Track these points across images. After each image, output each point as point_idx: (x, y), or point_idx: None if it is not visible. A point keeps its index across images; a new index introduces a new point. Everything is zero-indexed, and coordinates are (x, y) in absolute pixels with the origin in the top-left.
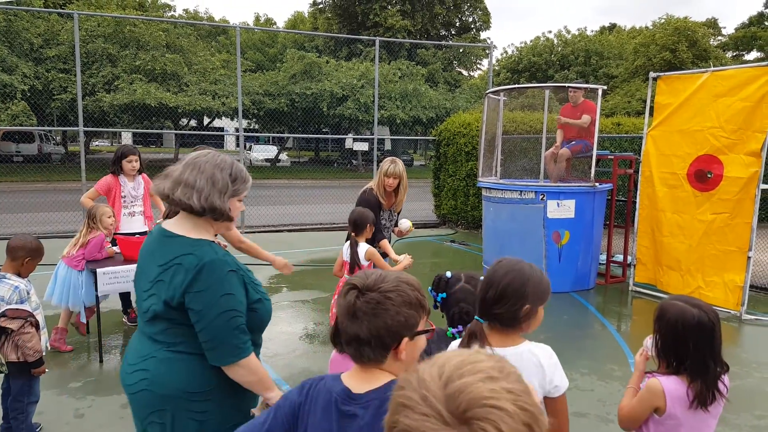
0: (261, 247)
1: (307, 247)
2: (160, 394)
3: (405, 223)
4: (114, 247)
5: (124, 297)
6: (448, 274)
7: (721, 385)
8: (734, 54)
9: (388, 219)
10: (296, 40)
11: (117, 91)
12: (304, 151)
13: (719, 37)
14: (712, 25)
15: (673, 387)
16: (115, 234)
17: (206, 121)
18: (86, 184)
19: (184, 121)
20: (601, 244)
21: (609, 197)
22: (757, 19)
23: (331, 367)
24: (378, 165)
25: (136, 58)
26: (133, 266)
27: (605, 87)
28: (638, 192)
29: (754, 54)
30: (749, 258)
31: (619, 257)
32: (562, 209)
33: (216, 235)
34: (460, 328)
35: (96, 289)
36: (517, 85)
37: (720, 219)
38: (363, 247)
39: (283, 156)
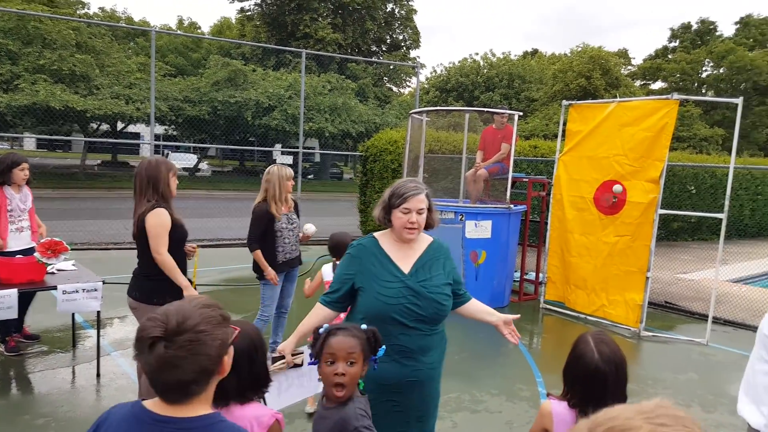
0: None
1: (222, 264)
2: None
3: (310, 228)
4: None
5: (2, 324)
6: (321, 329)
7: None
8: (642, 83)
9: (288, 222)
10: (222, 46)
11: (16, 92)
12: (228, 161)
13: (629, 67)
14: (623, 55)
15: (561, 411)
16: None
17: (120, 126)
18: None
19: (94, 125)
20: (515, 263)
21: (524, 218)
22: (662, 52)
23: None
24: (303, 177)
25: (41, 57)
26: (12, 291)
27: (521, 113)
28: (549, 214)
29: (659, 84)
30: (648, 278)
31: (533, 275)
32: (479, 229)
33: None
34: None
35: None
36: (438, 108)
37: (622, 241)
38: None
39: (204, 165)
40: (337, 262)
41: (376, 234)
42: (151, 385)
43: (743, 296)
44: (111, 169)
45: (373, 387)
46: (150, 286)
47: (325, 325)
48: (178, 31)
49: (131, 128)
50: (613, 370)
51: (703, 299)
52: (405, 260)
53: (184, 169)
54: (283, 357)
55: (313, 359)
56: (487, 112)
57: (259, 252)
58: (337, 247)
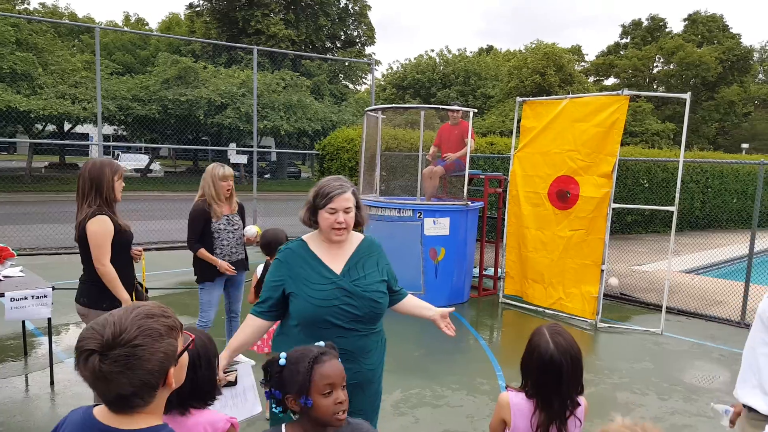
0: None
1: (175, 267)
2: None
3: (250, 230)
4: None
5: None
6: (282, 361)
7: (571, 421)
8: (595, 79)
9: (228, 223)
10: (171, 43)
11: None
12: (181, 161)
13: (583, 63)
14: (577, 52)
15: (519, 402)
16: None
17: (68, 127)
18: None
19: (39, 126)
20: (474, 259)
21: (481, 215)
22: (614, 48)
23: None
24: (259, 177)
25: None
26: None
27: (476, 110)
28: (506, 210)
29: (612, 80)
30: (603, 270)
31: (492, 271)
32: (437, 227)
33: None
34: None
35: None
36: (393, 105)
37: (577, 235)
38: None
39: (156, 166)
40: (271, 261)
41: (304, 236)
42: (96, 394)
43: (695, 286)
44: (59, 172)
45: None
46: (98, 291)
47: (283, 354)
48: (125, 28)
49: (79, 129)
50: (568, 360)
51: (657, 290)
52: (336, 261)
53: (136, 170)
54: None
55: (273, 391)
56: (442, 109)
57: (203, 249)
58: (269, 246)
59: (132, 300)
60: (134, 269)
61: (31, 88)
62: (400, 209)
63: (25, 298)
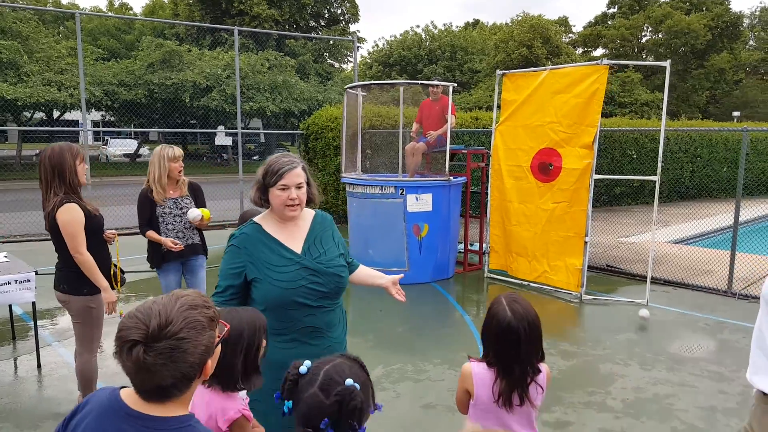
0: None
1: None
2: None
3: (192, 213)
4: None
5: None
6: (304, 368)
7: (532, 388)
8: (583, 50)
9: (176, 207)
10: (155, 27)
11: None
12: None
13: (570, 35)
14: (564, 23)
15: (481, 371)
16: None
17: (57, 114)
18: None
19: (27, 114)
20: (458, 235)
21: (464, 190)
22: (602, 19)
23: None
24: (247, 159)
25: None
26: None
27: (455, 85)
28: (489, 184)
29: (600, 51)
30: (586, 243)
31: (477, 246)
32: (420, 203)
33: None
34: None
35: None
36: (372, 82)
37: (560, 207)
38: None
39: (145, 150)
40: None
41: (256, 218)
42: (131, 383)
43: (683, 256)
44: None
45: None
46: (76, 277)
47: (308, 363)
48: (110, 13)
49: (68, 116)
50: (525, 326)
51: (644, 261)
52: (294, 240)
53: (125, 155)
54: None
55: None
56: (421, 84)
57: (151, 231)
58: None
59: (111, 285)
60: (109, 252)
61: (17, 76)
62: (382, 186)
63: (9, 283)
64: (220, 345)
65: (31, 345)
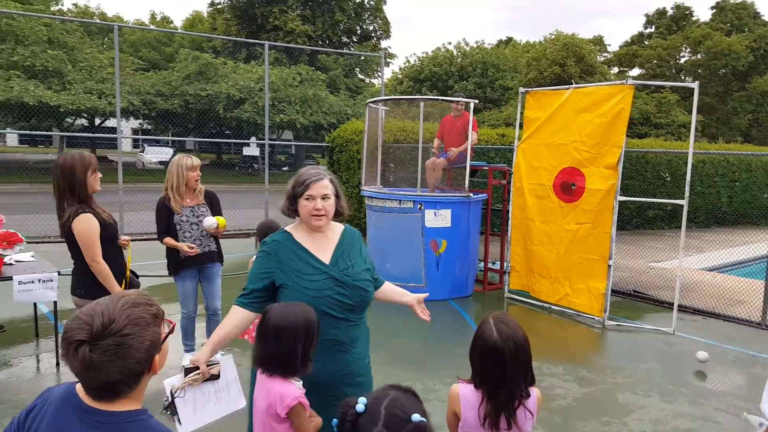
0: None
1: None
2: None
3: (208, 221)
4: None
5: None
6: (361, 406)
7: (520, 412)
8: (618, 70)
9: (192, 215)
10: (194, 40)
11: None
12: (205, 154)
13: (605, 54)
14: (598, 42)
15: (468, 393)
16: None
17: (98, 121)
18: None
19: (70, 120)
20: (478, 252)
21: (485, 207)
22: (638, 39)
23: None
24: (277, 169)
25: (14, 53)
26: None
27: (477, 101)
28: (510, 202)
29: (636, 70)
30: (610, 266)
31: (498, 264)
32: (439, 218)
33: None
34: None
35: None
36: (393, 97)
37: (583, 229)
38: None
39: None
40: None
41: (287, 228)
42: (81, 383)
43: (715, 284)
44: None
45: (312, 388)
46: (91, 282)
47: (363, 400)
48: (151, 26)
49: (109, 123)
50: (511, 347)
51: (673, 288)
52: (323, 250)
53: (160, 162)
54: (197, 368)
55: None
56: (443, 100)
57: (168, 238)
58: (266, 236)
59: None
60: (123, 258)
61: (61, 84)
62: (400, 200)
63: (32, 282)
64: (168, 342)
65: (54, 343)
